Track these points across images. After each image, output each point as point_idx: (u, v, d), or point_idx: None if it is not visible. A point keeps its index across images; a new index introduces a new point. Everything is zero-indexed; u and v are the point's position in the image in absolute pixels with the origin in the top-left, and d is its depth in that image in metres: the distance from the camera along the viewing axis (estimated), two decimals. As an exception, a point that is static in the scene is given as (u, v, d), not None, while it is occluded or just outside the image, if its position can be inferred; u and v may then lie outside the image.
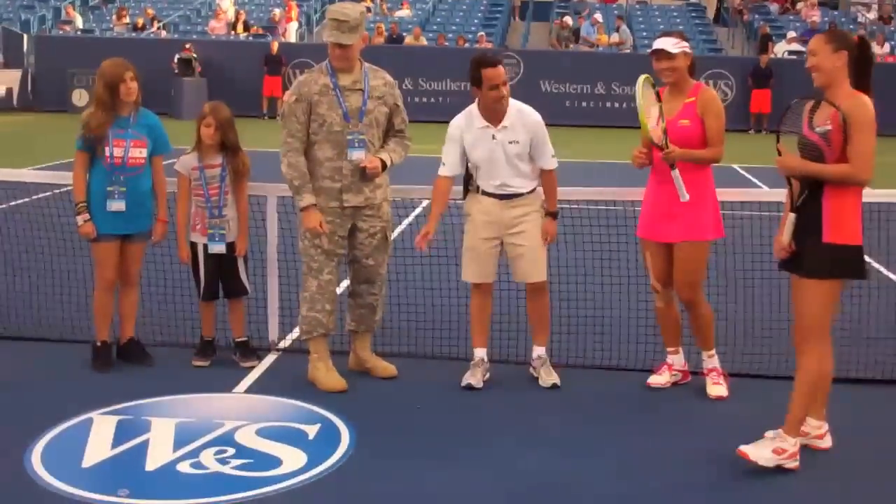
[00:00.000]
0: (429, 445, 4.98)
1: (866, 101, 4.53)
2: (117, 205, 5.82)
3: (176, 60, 25.22)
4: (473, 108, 5.73)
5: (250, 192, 6.22)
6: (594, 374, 6.10)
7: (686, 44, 5.54)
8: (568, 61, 26.43)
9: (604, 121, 24.96)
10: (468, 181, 5.86)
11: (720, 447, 4.86)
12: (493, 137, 5.65)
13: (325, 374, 5.74)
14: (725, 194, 5.93)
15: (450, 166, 5.77)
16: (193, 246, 6.05)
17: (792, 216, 4.65)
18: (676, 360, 5.90)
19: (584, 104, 25.27)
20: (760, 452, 4.65)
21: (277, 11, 29.89)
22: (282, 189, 6.07)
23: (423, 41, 28.10)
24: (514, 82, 24.49)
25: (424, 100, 25.10)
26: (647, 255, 5.72)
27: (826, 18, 30.57)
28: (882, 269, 8.82)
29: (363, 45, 5.64)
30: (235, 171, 6.03)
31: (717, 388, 5.70)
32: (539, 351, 5.92)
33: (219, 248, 5.99)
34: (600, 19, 28.99)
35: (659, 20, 31.59)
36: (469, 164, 5.81)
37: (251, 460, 4.69)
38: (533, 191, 5.80)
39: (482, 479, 4.59)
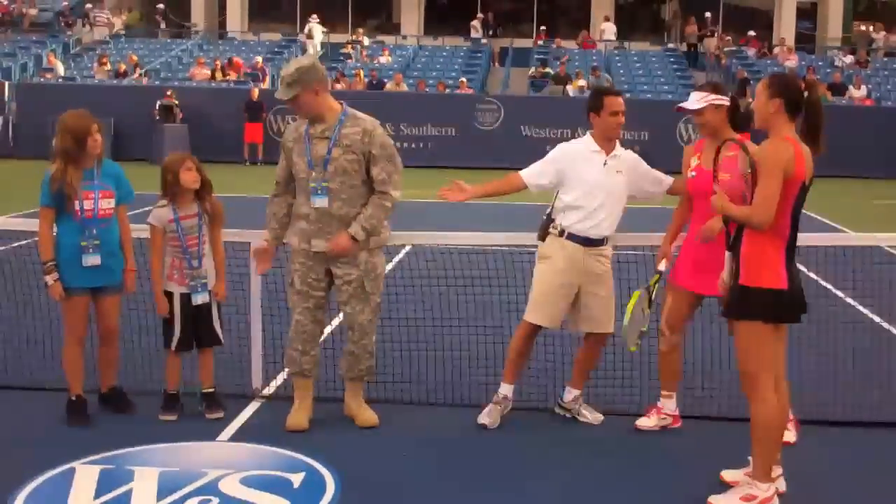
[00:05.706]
0: (415, 494, 4.93)
1: (778, 146, 4.49)
2: (93, 259, 5.69)
3: (157, 107, 25.30)
4: (587, 136, 5.89)
5: (233, 239, 6.20)
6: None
7: (714, 96, 5.49)
8: (547, 106, 26.64)
9: (584, 164, 25.03)
10: (548, 224, 5.81)
11: (703, 493, 4.83)
12: (605, 164, 5.75)
13: (293, 412, 5.77)
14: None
15: (534, 176, 5.86)
16: (169, 295, 5.92)
17: (728, 255, 4.71)
18: (669, 404, 5.88)
19: (564, 148, 25.33)
20: (728, 500, 4.68)
21: (259, 58, 30.08)
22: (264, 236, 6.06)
23: (404, 87, 28.29)
24: (495, 127, 24.71)
25: (405, 145, 25.17)
26: (669, 298, 5.71)
27: (803, 62, 30.98)
28: (867, 311, 8.85)
29: (315, 95, 5.56)
30: (212, 217, 5.97)
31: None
32: (576, 392, 5.96)
33: (203, 298, 5.92)
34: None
35: (637, 65, 31.94)
36: (558, 203, 5.79)
37: (236, 510, 4.64)
38: (607, 239, 5.82)
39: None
